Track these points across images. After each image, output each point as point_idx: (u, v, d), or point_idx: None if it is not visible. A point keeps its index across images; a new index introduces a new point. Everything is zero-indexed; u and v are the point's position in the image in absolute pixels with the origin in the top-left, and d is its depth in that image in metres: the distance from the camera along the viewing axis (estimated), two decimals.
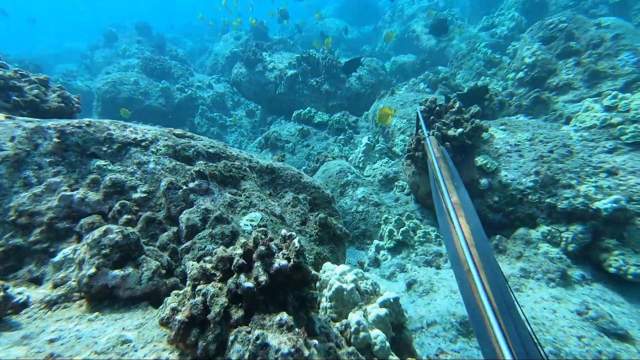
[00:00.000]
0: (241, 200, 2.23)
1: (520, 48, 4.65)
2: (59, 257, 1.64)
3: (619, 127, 2.70)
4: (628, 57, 3.74)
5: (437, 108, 3.08)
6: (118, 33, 13.59)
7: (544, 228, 2.57)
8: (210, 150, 2.44)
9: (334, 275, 1.68)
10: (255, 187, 2.42)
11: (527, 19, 7.25)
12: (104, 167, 2.02)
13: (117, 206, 1.87)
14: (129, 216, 1.87)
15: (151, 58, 9.61)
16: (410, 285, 2.60)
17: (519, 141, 2.90)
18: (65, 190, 1.82)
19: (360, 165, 4.60)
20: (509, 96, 4.33)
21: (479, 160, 2.90)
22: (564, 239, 2.49)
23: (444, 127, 2.93)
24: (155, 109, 8.50)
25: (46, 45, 17.63)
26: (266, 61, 8.52)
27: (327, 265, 1.77)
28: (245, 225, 2.03)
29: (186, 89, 9.56)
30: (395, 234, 3.22)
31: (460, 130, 2.90)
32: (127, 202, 1.91)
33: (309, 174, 5.59)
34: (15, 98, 2.02)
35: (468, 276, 0.99)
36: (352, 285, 1.60)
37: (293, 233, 1.38)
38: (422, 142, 3.03)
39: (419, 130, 3.11)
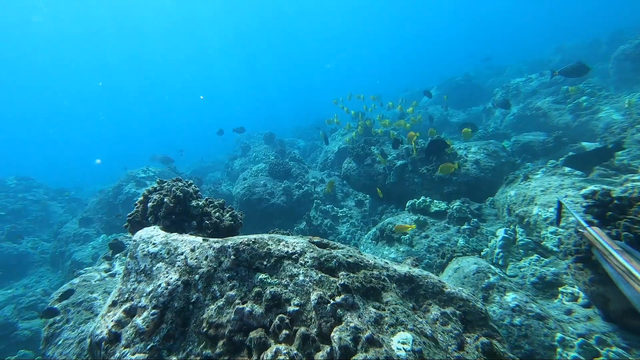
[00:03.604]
0: (386, 316, 2.12)
1: None
2: None
3: None
4: None
5: (616, 202, 2.51)
6: (250, 144, 17.06)
7: None
8: (350, 260, 2.52)
9: None
10: (398, 299, 2.29)
11: None
12: (265, 280, 2.27)
13: (276, 321, 2.01)
14: (287, 331, 1.97)
15: (276, 162, 11.50)
16: None
17: None
18: (239, 304, 2.08)
19: (500, 263, 3.98)
20: None
21: None
22: None
23: (636, 226, 2.32)
24: (279, 206, 9.73)
25: (202, 157, 23.35)
26: (374, 154, 9.08)
27: None
28: (397, 349, 1.87)
29: (303, 186, 10.79)
30: None
31: None
32: (284, 316, 2.04)
33: (433, 269, 5.13)
34: (206, 222, 2.58)
35: None
36: None
37: None
38: (580, 234, 2.51)
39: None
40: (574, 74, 6.18)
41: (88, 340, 1.76)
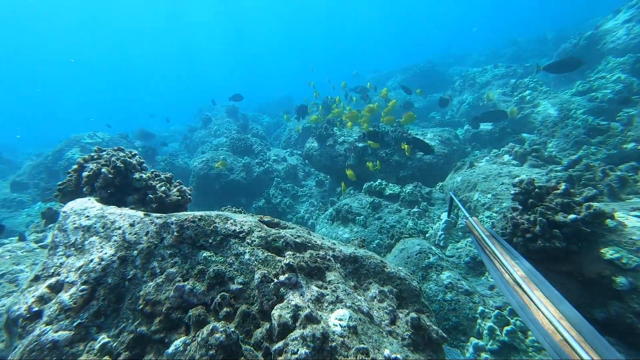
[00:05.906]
0: (327, 295, 2.21)
1: (638, 115, 4.18)
2: (172, 349, 1.77)
3: None
4: None
5: (537, 190, 2.80)
6: (212, 116, 16.25)
7: None
8: (297, 240, 2.56)
9: None
10: (340, 278, 2.40)
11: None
12: (209, 258, 2.24)
13: (218, 298, 2.01)
14: (228, 309, 1.99)
15: (237, 138, 11.13)
16: None
17: None
18: (179, 281, 2.04)
19: (441, 244, 4.30)
20: (632, 170, 3.76)
21: (608, 252, 2.45)
22: None
23: (549, 212, 2.61)
24: (238, 182, 9.52)
25: (160, 128, 21.83)
26: (337, 135, 9.13)
27: None
28: (334, 325, 1.98)
29: (264, 163, 10.61)
30: (498, 333, 2.78)
31: (572, 216, 2.54)
32: (226, 294, 2.05)
33: (383, 249, 5.41)
34: (150, 196, 2.45)
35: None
36: None
37: (399, 356, 1.29)
38: (465, 222, 2.83)
39: (454, 213, 2.84)
40: (566, 68, 5.92)
41: (4, 317, 1.63)
